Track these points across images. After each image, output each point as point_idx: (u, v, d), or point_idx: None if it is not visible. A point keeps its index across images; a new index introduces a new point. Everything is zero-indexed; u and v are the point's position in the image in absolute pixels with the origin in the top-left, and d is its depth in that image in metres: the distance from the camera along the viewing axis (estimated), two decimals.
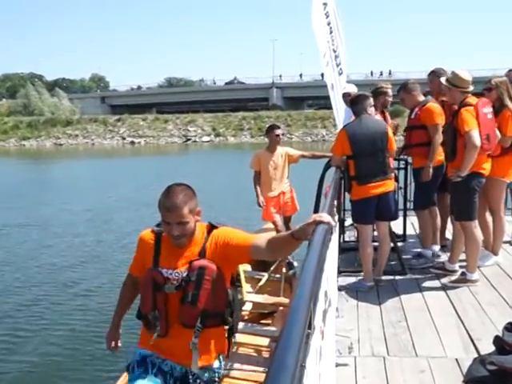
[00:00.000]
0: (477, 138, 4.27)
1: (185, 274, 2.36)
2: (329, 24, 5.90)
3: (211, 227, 2.48)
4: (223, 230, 2.47)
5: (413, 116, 5.26)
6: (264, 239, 2.34)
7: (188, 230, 2.35)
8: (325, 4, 5.70)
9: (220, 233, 2.44)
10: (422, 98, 5.26)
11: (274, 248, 2.31)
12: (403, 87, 5.34)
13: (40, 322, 6.89)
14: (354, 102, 4.72)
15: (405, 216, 6.05)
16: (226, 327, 2.53)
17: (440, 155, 5.05)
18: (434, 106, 5.09)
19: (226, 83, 77.50)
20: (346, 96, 5.84)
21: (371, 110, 4.77)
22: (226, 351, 2.61)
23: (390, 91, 5.65)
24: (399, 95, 5.42)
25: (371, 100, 4.79)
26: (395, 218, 4.98)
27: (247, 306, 5.60)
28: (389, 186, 4.65)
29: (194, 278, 2.33)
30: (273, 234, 6.48)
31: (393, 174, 4.72)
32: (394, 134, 5.83)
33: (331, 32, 5.95)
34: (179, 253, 2.42)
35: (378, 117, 5.34)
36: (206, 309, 2.36)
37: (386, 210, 4.67)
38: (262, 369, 3.93)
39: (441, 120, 4.98)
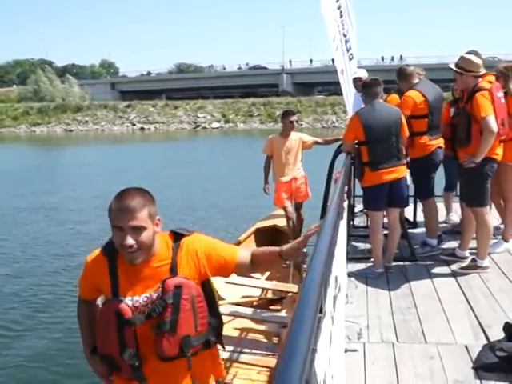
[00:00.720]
0: (494, 124, 4.21)
1: (155, 297, 1.97)
2: (339, 8, 5.84)
3: (176, 235, 2.07)
4: (197, 239, 2.08)
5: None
6: (249, 255, 2.10)
7: (145, 239, 1.91)
8: None
9: (195, 243, 2.05)
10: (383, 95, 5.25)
11: (258, 264, 2.13)
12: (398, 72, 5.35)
13: (41, 313, 6.91)
14: (367, 87, 4.66)
15: (415, 202, 6.02)
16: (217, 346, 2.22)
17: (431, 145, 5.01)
18: (392, 97, 5.21)
19: (250, 68, 75.91)
20: (357, 81, 5.80)
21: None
22: (223, 373, 2.31)
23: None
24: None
25: (382, 86, 4.74)
26: (406, 205, 4.96)
27: (256, 292, 5.63)
28: (401, 172, 4.62)
29: (171, 300, 1.93)
30: (254, 247, 6.43)
31: (405, 160, 4.68)
32: None
33: (341, 16, 5.89)
34: (143, 273, 1.98)
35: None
36: (187, 334, 1.98)
37: (398, 196, 4.63)
38: (270, 354, 3.95)
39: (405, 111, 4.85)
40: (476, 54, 4.57)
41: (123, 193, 1.94)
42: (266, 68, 73.83)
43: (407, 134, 4.69)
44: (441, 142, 5.09)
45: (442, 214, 6.44)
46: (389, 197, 4.61)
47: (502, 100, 4.43)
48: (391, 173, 4.53)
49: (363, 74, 5.95)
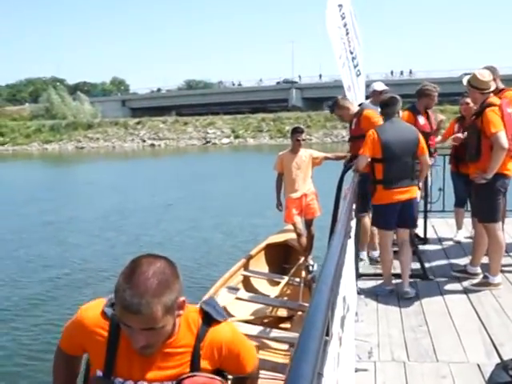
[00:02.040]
0: (504, 140, 4.19)
1: None
2: (345, 25, 5.88)
3: (207, 318, 1.69)
4: (226, 330, 1.70)
5: (353, 126, 5.38)
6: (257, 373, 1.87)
7: (161, 337, 1.56)
8: (340, 5, 5.69)
9: (222, 335, 1.68)
10: (356, 108, 5.41)
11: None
12: (335, 105, 5.53)
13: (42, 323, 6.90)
14: (386, 104, 4.60)
15: (425, 218, 5.99)
16: None
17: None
18: (369, 112, 5.25)
19: (278, 82, 75.31)
20: (376, 94, 5.83)
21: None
22: None
23: (435, 95, 5.54)
24: (335, 114, 5.59)
25: (401, 103, 4.70)
26: (415, 226, 4.91)
27: (266, 309, 5.61)
28: (414, 192, 4.55)
29: None
30: (264, 262, 6.48)
31: (418, 181, 4.62)
32: (438, 129, 5.94)
33: (347, 33, 5.93)
34: (152, 357, 1.60)
35: (421, 118, 5.34)
36: None
37: (408, 217, 4.56)
38: (280, 375, 3.92)
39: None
40: (492, 69, 4.58)
41: (133, 274, 1.48)
42: (296, 82, 73.45)
43: (426, 152, 4.60)
44: None
45: (452, 230, 6.42)
46: (400, 217, 4.53)
47: None
48: (404, 193, 4.46)
49: (381, 87, 6.00)
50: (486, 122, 4.26)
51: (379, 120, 5.06)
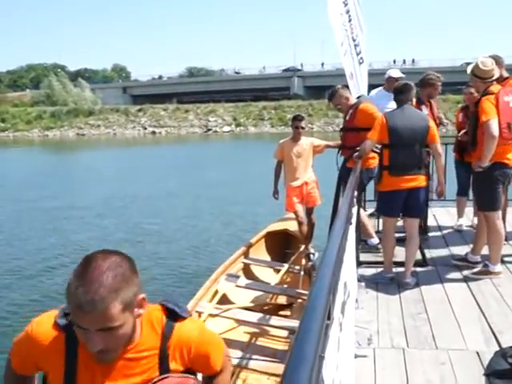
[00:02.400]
0: (494, 128, 4.19)
1: None
2: (347, 12, 5.83)
3: (170, 314, 1.58)
4: (193, 328, 1.60)
5: (347, 118, 5.37)
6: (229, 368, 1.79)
7: (119, 339, 1.41)
8: None
9: (191, 333, 1.57)
10: (354, 100, 5.38)
11: None
12: (334, 94, 5.47)
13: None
14: (400, 91, 4.56)
15: (427, 208, 5.98)
16: None
17: (373, 158, 5.12)
18: (366, 105, 5.25)
19: (284, 70, 74.22)
20: (391, 81, 5.85)
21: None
22: None
23: (439, 84, 5.56)
24: (332, 103, 5.52)
25: (414, 91, 4.69)
26: (422, 215, 4.88)
27: (266, 297, 5.63)
28: (420, 181, 4.48)
29: None
30: (265, 250, 6.51)
31: (425, 170, 4.57)
32: (438, 124, 5.82)
33: (350, 20, 5.88)
34: (115, 366, 1.48)
35: (424, 108, 5.32)
36: None
37: (414, 206, 4.51)
38: (279, 361, 3.94)
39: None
40: (496, 58, 4.56)
41: (86, 270, 1.36)
42: (300, 70, 72.92)
43: (437, 140, 4.54)
44: None
45: (453, 219, 6.43)
46: (405, 205, 4.50)
47: None
48: (410, 181, 4.42)
49: (397, 74, 6.00)
50: (480, 111, 4.30)
51: (376, 113, 5.08)
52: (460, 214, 6.23)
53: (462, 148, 5.74)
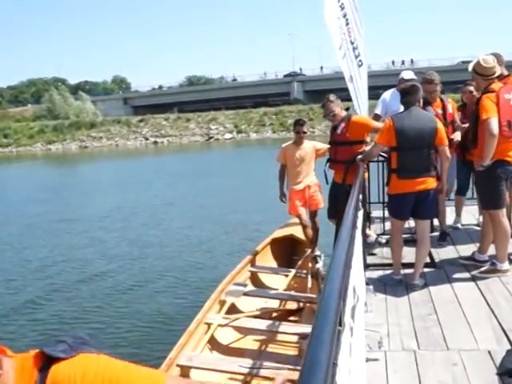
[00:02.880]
0: (494, 126, 4.19)
1: None
2: (345, 16, 5.85)
3: (47, 360, 1.30)
4: (74, 369, 1.29)
5: (339, 132, 5.27)
6: None
7: None
8: None
9: (71, 378, 1.27)
10: (344, 112, 5.32)
11: None
12: (327, 103, 5.39)
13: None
14: (406, 93, 4.51)
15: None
16: None
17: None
18: (358, 117, 5.30)
19: (285, 75, 73.87)
20: (403, 82, 5.83)
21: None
22: None
23: (430, 88, 5.41)
24: (328, 108, 5.37)
25: (421, 92, 4.63)
26: (433, 216, 4.84)
27: (274, 303, 5.62)
28: (430, 183, 4.42)
29: None
30: (271, 257, 6.52)
31: (435, 172, 4.48)
32: (454, 128, 5.69)
33: (347, 24, 5.89)
34: None
35: (431, 109, 5.18)
36: None
37: (424, 208, 4.47)
38: (291, 367, 3.93)
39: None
40: (497, 55, 4.57)
41: None
42: (304, 74, 72.94)
43: (445, 143, 4.49)
44: None
45: (451, 218, 6.44)
46: (416, 208, 4.46)
47: None
48: (419, 183, 4.37)
49: (409, 76, 6.00)
50: (480, 108, 4.30)
51: (370, 121, 5.15)
52: (457, 213, 6.22)
53: (463, 147, 5.72)
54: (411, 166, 4.36)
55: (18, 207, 17.30)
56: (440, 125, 4.51)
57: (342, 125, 5.29)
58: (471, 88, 5.51)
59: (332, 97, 5.50)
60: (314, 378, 1.01)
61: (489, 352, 3.27)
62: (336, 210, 5.42)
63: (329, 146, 5.99)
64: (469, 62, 4.71)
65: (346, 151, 5.17)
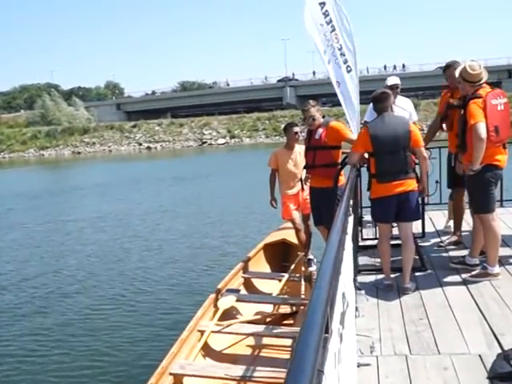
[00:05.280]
0: (482, 131, 4.23)
1: None
2: (329, 23, 5.89)
3: None
4: None
5: (317, 137, 5.38)
6: None
7: None
8: (322, 3, 5.71)
9: None
10: (321, 119, 5.45)
11: None
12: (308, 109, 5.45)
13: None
14: (377, 100, 4.64)
15: (423, 212, 6.00)
16: None
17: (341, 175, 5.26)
18: (336, 124, 5.43)
19: (278, 80, 73.89)
20: (394, 88, 5.91)
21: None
22: None
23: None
24: (305, 115, 5.48)
25: (393, 98, 4.77)
26: (416, 218, 4.88)
27: (268, 308, 5.62)
28: (409, 185, 4.50)
29: None
30: (264, 263, 6.52)
31: (414, 174, 4.57)
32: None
33: (333, 30, 5.93)
34: None
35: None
36: None
37: (406, 210, 4.54)
38: (286, 369, 3.92)
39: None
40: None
41: None
42: (296, 80, 73.01)
43: (420, 144, 4.57)
44: None
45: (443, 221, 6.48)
46: (398, 210, 4.54)
47: (501, 107, 4.41)
48: (398, 186, 4.46)
49: (392, 82, 6.12)
50: (468, 114, 4.34)
51: (346, 129, 5.33)
52: (450, 217, 6.24)
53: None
54: (389, 170, 4.46)
55: (8, 213, 17.20)
56: (413, 127, 4.60)
57: (321, 130, 5.39)
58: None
59: (312, 102, 5.62)
60: None
61: (479, 356, 3.28)
62: (320, 216, 5.48)
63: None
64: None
65: (325, 156, 5.31)
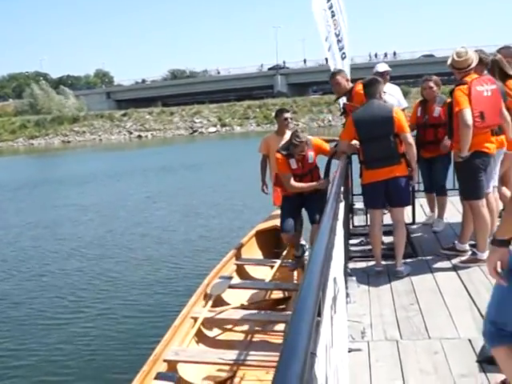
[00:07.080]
0: (467, 117, 4.24)
1: None
2: (330, 8, 5.88)
3: None
4: None
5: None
6: None
7: None
8: None
9: None
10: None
11: None
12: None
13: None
14: (366, 86, 4.64)
15: (413, 198, 6.03)
16: None
17: None
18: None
19: (269, 69, 73.12)
20: (384, 75, 5.86)
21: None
22: None
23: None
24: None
25: (383, 85, 4.76)
26: (407, 203, 4.91)
27: (261, 294, 5.64)
28: (397, 170, 4.51)
29: None
30: (257, 249, 6.50)
31: (403, 159, 4.55)
32: None
33: (333, 16, 5.92)
34: None
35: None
36: None
37: (395, 195, 4.58)
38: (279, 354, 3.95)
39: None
40: (506, 48, 4.67)
41: None
42: (287, 68, 72.53)
43: (405, 130, 4.54)
44: None
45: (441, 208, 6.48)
46: (388, 196, 4.60)
47: (487, 93, 4.35)
48: (386, 172, 4.49)
49: (383, 69, 6.08)
50: (453, 101, 4.37)
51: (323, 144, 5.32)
52: (431, 209, 6.23)
53: (419, 144, 5.60)
54: (376, 156, 4.49)
55: None
56: (398, 114, 4.53)
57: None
58: (431, 83, 5.51)
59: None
60: (291, 368, 1.02)
61: (469, 340, 3.32)
62: (295, 222, 5.45)
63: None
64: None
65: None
